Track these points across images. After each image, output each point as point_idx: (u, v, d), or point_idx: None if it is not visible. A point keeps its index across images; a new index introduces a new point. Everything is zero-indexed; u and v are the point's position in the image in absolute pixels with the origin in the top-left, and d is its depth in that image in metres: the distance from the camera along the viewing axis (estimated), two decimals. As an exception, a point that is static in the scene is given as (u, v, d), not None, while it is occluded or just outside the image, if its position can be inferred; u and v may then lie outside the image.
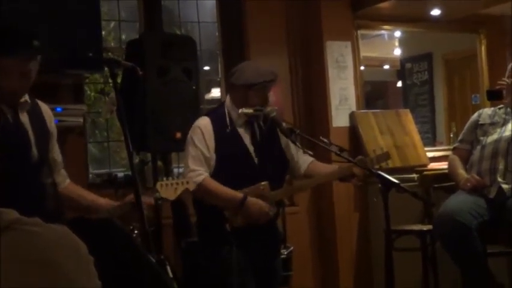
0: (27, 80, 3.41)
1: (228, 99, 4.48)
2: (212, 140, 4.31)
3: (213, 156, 4.30)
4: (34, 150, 3.47)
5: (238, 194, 4.21)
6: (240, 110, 4.30)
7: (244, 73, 4.38)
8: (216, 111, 4.53)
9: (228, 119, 4.37)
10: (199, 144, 4.30)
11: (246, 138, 4.38)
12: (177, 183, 3.77)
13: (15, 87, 3.39)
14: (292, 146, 4.53)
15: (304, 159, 4.61)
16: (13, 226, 1.44)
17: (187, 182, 3.81)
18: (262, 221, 4.26)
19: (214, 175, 4.30)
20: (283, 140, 4.50)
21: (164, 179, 3.79)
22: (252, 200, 4.20)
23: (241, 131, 4.38)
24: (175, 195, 3.77)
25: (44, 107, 3.69)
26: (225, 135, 4.33)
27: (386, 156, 4.53)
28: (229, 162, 4.32)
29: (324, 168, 4.60)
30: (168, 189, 3.76)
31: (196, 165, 4.27)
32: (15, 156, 3.30)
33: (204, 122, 4.38)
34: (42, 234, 1.46)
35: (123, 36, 7.16)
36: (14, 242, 1.42)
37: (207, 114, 4.53)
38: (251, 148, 4.37)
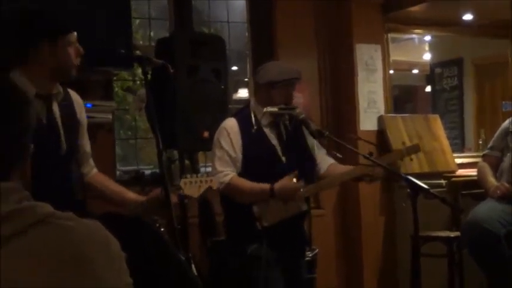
0: (79, 57, 3.47)
1: (252, 100, 4.50)
2: (239, 140, 4.32)
3: (240, 156, 4.31)
4: (63, 143, 3.49)
5: (266, 185, 4.20)
6: (265, 109, 4.30)
7: (268, 72, 4.39)
8: (241, 112, 4.53)
9: (253, 119, 4.37)
10: (226, 145, 4.31)
11: (273, 138, 4.38)
12: (201, 181, 3.77)
13: (74, 64, 3.45)
14: (316, 146, 4.52)
15: (325, 161, 4.60)
16: (47, 220, 1.43)
17: (211, 180, 3.81)
18: (293, 208, 4.23)
19: (242, 175, 4.30)
20: (310, 139, 4.49)
21: (188, 176, 3.78)
22: (278, 183, 4.18)
23: (267, 130, 4.38)
24: (199, 192, 3.76)
25: (75, 97, 3.69)
26: (251, 136, 4.33)
27: (416, 148, 4.48)
28: (257, 162, 4.33)
29: (343, 169, 4.58)
30: (192, 187, 3.76)
31: (222, 166, 4.28)
32: (45, 150, 3.31)
33: (230, 123, 4.39)
34: (75, 228, 1.46)
35: (151, 34, 7.18)
36: (48, 235, 1.42)
37: (232, 115, 4.53)
38: (278, 147, 4.37)
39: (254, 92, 4.52)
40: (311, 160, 4.52)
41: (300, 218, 4.41)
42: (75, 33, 3.46)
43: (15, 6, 4.22)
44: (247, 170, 4.31)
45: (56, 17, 3.48)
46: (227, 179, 4.22)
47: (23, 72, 3.35)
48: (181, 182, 3.73)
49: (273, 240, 4.21)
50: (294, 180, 4.21)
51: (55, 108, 3.50)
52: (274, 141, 4.37)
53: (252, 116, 4.39)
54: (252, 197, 4.24)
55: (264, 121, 4.36)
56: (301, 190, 4.24)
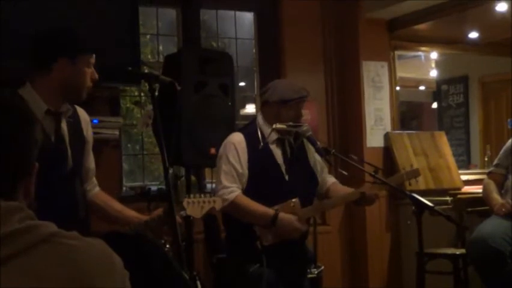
0: (92, 81, 3.51)
1: (259, 116, 4.48)
2: (245, 156, 4.31)
3: (246, 172, 4.29)
4: (69, 160, 3.51)
5: (270, 211, 4.19)
6: (274, 126, 4.29)
7: (278, 90, 4.38)
8: (248, 128, 4.53)
9: (260, 136, 4.38)
10: (233, 160, 4.29)
11: (278, 155, 4.37)
12: (204, 202, 3.74)
13: (88, 86, 3.49)
14: (318, 164, 4.53)
15: (327, 180, 4.61)
16: (51, 239, 1.44)
17: (214, 201, 3.79)
18: (294, 236, 4.25)
19: (246, 191, 4.29)
20: (312, 157, 4.50)
21: (192, 196, 3.77)
22: (283, 215, 4.18)
23: (273, 147, 4.37)
24: (201, 213, 3.74)
25: (83, 114, 3.72)
26: (257, 152, 4.32)
27: (416, 172, 4.47)
28: (261, 178, 4.31)
29: (343, 190, 4.56)
30: (195, 207, 3.74)
31: (228, 181, 4.26)
32: (52, 167, 3.34)
33: (238, 138, 4.37)
34: (79, 247, 1.46)
35: (155, 51, 7.22)
36: (51, 255, 1.42)
37: (239, 130, 4.54)
38: (282, 165, 4.36)
39: (261, 109, 4.50)
40: (313, 179, 4.51)
41: (301, 238, 4.39)
42: (94, 56, 3.50)
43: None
44: (251, 185, 4.30)
45: (79, 37, 3.52)
46: (232, 196, 4.20)
47: (35, 87, 3.39)
48: (184, 201, 3.73)
49: (273, 259, 4.20)
50: (298, 204, 4.22)
51: (63, 125, 3.52)
52: (279, 158, 4.37)
53: (259, 132, 4.40)
54: (254, 220, 4.23)
55: (271, 138, 4.36)
56: (302, 210, 4.24)
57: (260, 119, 4.44)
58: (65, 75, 3.40)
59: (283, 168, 4.36)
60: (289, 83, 4.54)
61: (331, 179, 4.62)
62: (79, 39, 3.51)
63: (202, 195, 3.77)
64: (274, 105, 4.36)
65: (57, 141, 3.46)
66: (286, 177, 4.35)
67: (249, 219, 4.24)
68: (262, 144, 4.33)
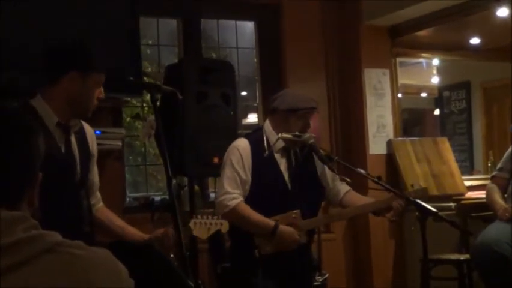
0: (100, 98, 3.54)
1: (267, 124, 4.45)
2: (250, 162, 4.29)
3: (249, 178, 4.27)
4: (78, 173, 3.53)
5: (270, 222, 4.17)
6: (279, 135, 4.27)
7: (288, 98, 4.36)
8: (254, 134, 4.51)
9: (266, 144, 4.36)
10: (237, 165, 4.27)
11: (282, 165, 4.36)
12: (211, 223, 3.77)
13: (94, 104, 3.52)
14: (328, 173, 4.49)
15: (340, 188, 4.57)
16: (56, 248, 1.45)
17: (221, 224, 3.80)
18: (292, 247, 4.23)
19: (248, 198, 4.28)
20: (320, 167, 4.48)
21: (199, 217, 3.78)
22: (283, 228, 4.16)
23: (277, 156, 4.35)
24: (208, 234, 3.77)
25: (88, 129, 3.74)
26: (262, 160, 4.30)
27: (424, 192, 4.41)
28: (263, 187, 4.29)
29: (359, 199, 4.53)
30: (202, 228, 3.76)
31: (231, 187, 4.23)
32: (62, 179, 3.35)
33: (243, 144, 4.35)
34: (84, 257, 1.47)
35: (156, 61, 7.23)
36: (56, 264, 1.43)
37: (245, 136, 4.52)
38: (286, 175, 4.34)
39: (270, 117, 4.48)
40: (318, 190, 4.50)
41: (300, 248, 4.35)
42: (104, 76, 3.51)
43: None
44: (253, 193, 4.28)
45: (92, 54, 3.54)
46: (234, 203, 4.18)
47: (46, 99, 3.41)
48: (191, 222, 3.74)
49: (271, 269, 4.18)
50: (299, 216, 4.21)
51: (72, 138, 3.54)
52: (283, 167, 4.34)
53: (265, 140, 4.38)
54: (254, 229, 4.21)
55: (276, 147, 4.34)
56: (303, 222, 4.23)
57: (268, 127, 4.43)
58: (73, 89, 3.41)
59: (286, 177, 4.34)
60: (299, 93, 4.52)
61: (344, 188, 4.57)
62: (91, 56, 3.53)
63: (210, 217, 3.79)
64: (283, 114, 4.34)
65: (67, 153, 3.48)
66: (290, 187, 4.33)
67: (248, 228, 4.22)
68: (267, 152, 4.32)
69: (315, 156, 4.41)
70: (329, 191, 4.56)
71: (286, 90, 4.68)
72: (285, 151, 4.37)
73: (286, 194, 4.31)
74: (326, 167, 4.43)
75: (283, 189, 4.32)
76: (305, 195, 4.34)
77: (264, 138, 4.37)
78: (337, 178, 4.55)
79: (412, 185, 4.51)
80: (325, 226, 6.71)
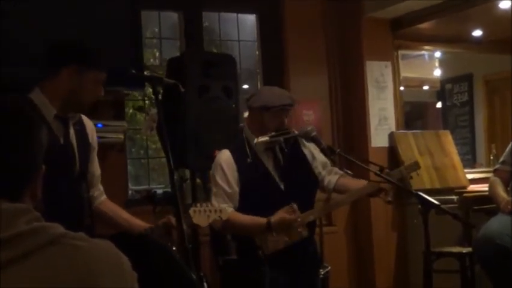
0: (99, 95, 3.56)
1: (245, 126, 4.43)
2: (235, 173, 4.26)
3: (236, 190, 4.25)
4: (77, 165, 3.53)
5: (262, 220, 4.12)
6: (255, 140, 4.24)
7: (262, 96, 4.32)
8: (235, 142, 4.47)
9: (247, 148, 4.33)
10: (220, 181, 4.26)
11: (269, 164, 4.32)
12: (210, 211, 3.77)
13: (91, 100, 3.55)
14: (318, 162, 4.46)
15: (332, 173, 4.50)
16: (59, 240, 1.45)
17: (221, 211, 3.80)
18: (294, 236, 4.19)
19: (241, 206, 4.25)
20: (309, 154, 4.46)
21: (198, 205, 3.78)
22: (275, 218, 4.09)
23: (263, 157, 4.32)
24: (207, 222, 3.76)
25: (87, 121, 3.74)
26: (247, 166, 4.27)
27: (416, 165, 4.41)
28: (255, 191, 4.26)
29: (353, 183, 4.45)
30: (201, 216, 3.76)
31: (219, 202, 4.18)
32: (60, 171, 3.35)
33: (224, 157, 4.31)
34: (86, 248, 1.47)
35: (157, 54, 7.22)
36: (59, 256, 1.43)
37: (227, 147, 4.44)
38: (275, 174, 4.30)
39: (247, 117, 4.46)
40: (312, 181, 4.46)
41: (305, 241, 4.33)
42: (104, 75, 3.51)
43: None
44: (245, 201, 4.26)
45: (93, 51, 3.54)
46: (223, 216, 4.18)
47: (44, 92, 3.41)
48: (190, 210, 3.74)
49: (279, 265, 4.17)
50: (295, 207, 4.18)
51: (71, 130, 3.54)
52: (271, 168, 4.31)
53: (246, 144, 4.34)
54: (250, 232, 4.18)
55: (259, 148, 4.30)
56: (299, 219, 4.20)
57: (246, 130, 4.39)
58: (71, 83, 3.42)
59: (276, 177, 4.31)
60: (275, 90, 4.44)
61: (337, 173, 4.50)
62: (91, 51, 3.53)
63: (209, 204, 3.78)
64: (257, 112, 4.31)
65: (66, 145, 3.48)
66: (282, 186, 4.30)
67: (245, 233, 4.21)
68: (250, 157, 4.29)
69: (301, 144, 4.41)
70: (321, 179, 4.52)
71: (263, 87, 4.64)
72: (269, 150, 4.34)
73: (280, 194, 4.28)
74: (315, 156, 4.41)
75: (275, 191, 4.29)
76: (299, 190, 4.30)
77: (246, 143, 4.35)
78: (328, 164, 4.50)
79: (403, 162, 4.48)
80: (327, 219, 6.71)
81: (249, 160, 4.26)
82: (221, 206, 3.88)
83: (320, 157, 4.44)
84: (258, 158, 4.31)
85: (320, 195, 4.59)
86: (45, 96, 3.42)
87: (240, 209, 4.25)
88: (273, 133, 4.25)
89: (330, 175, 4.50)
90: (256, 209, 4.18)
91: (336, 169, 4.51)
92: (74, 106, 3.51)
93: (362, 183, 4.39)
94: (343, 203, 4.96)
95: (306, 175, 4.43)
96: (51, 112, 3.41)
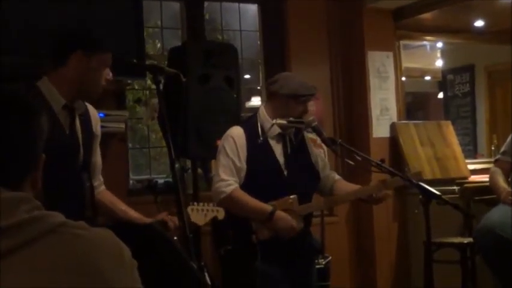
0: (107, 79, 3.56)
1: (262, 110, 4.42)
2: (244, 150, 4.26)
3: (244, 166, 4.25)
4: (81, 155, 3.53)
5: (267, 207, 4.15)
6: (274, 121, 4.26)
7: (289, 83, 4.31)
8: (248, 121, 4.49)
9: (260, 130, 4.34)
10: (231, 153, 4.24)
11: (277, 150, 4.32)
12: (207, 210, 3.80)
13: (101, 85, 3.53)
14: (320, 161, 4.50)
15: (330, 176, 4.55)
16: (59, 229, 1.45)
17: (217, 211, 3.82)
18: (288, 235, 4.21)
19: (244, 186, 4.25)
20: (313, 156, 4.48)
21: (196, 203, 3.80)
22: (280, 213, 4.13)
23: (272, 142, 4.32)
24: (205, 221, 3.81)
25: (92, 111, 3.74)
26: (256, 146, 4.27)
27: (418, 175, 4.38)
28: (259, 173, 4.27)
29: (349, 187, 4.49)
30: (199, 215, 3.79)
31: (226, 174, 4.21)
32: (64, 161, 3.36)
33: (237, 132, 4.32)
34: (86, 237, 1.47)
35: (159, 45, 7.22)
36: (58, 245, 1.43)
37: (239, 124, 4.50)
38: (281, 160, 4.31)
39: (268, 100, 4.45)
40: (314, 175, 4.47)
41: (301, 233, 4.33)
42: (111, 56, 3.51)
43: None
44: (249, 180, 4.25)
45: (100, 36, 3.55)
46: (229, 189, 4.16)
47: (52, 80, 3.42)
48: (188, 208, 3.76)
49: (270, 254, 4.18)
50: (296, 201, 4.19)
51: (77, 121, 3.54)
52: (278, 153, 4.31)
53: (259, 126, 4.35)
54: (251, 214, 4.19)
55: (271, 133, 4.31)
56: (300, 207, 4.21)
57: (262, 112, 4.39)
58: (80, 69, 3.42)
59: (282, 163, 4.31)
60: (299, 79, 4.44)
61: (335, 176, 4.56)
62: (98, 37, 3.54)
63: (206, 204, 3.81)
64: (283, 98, 4.31)
65: (71, 136, 3.49)
66: (285, 173, 4.30)
67: (245, 214, 4.20)
68: (261, 138, 4.30)
69: (308, 143, 4.44)
70: (320, 180, 4.53)
71: (285, 74, 4.61)
72: (280, 137, 4.34)
73: (282, 179, 4.28)
74: (318, 155, 4.44)
75: (279, 175, 4.29)
76: (301, 181, 4.31)
77: (259, 125, 4.34)
78: (328, 167, 4.55)
79: (408, 169, 4.50)
80: (328, 209, 6.71)
81: (259, 141, 4.27)
82: (218, 207, 3.90)
83: (322, 158, 4.47)
84: (267, 141, 4.32)
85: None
86: (54, 85, 3.41)
87: (241, 187, 4.25)
88: (291, 118, 4.26)
89: (328, 179, 4.52)
90: (257, 191, 4.19)
91: (334, 173, 4.56)
92: (86, 92, 3.51)
93: (356, 188, 4.42)
94: (343, 201, 4.98)
95: (308, 169, 4.44)
96: (60, 102, 3.41)
